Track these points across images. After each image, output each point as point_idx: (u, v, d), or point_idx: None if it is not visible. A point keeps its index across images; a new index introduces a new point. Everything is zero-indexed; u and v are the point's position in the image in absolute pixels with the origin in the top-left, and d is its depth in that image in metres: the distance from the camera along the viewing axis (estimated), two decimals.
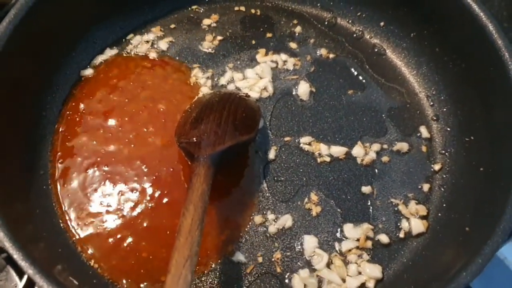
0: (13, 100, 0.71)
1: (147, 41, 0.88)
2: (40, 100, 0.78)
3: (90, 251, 0.69)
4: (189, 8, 0.93)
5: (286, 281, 0.68)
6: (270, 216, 0.72)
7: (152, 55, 0.87)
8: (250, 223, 0.72)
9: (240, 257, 0.69)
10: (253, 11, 0.92)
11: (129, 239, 0.69)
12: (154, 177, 0.74)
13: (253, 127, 0.74)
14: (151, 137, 0.78)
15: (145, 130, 0.79)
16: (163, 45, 0.88)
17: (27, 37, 0.72)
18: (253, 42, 0.89)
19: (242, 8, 0.93)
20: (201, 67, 0.86)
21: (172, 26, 0.90)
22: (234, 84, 0.84)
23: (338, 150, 0.78)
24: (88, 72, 0.84)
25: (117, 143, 0.77)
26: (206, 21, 0.91)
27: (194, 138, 0.68)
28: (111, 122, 0.79)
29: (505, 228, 0.58)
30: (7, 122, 0.69)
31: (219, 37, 0.89)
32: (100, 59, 0.86)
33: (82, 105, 0.81)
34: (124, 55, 0.87)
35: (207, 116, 0.72)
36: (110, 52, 0.87)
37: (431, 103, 0.82)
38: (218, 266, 0.69)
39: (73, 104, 0.81)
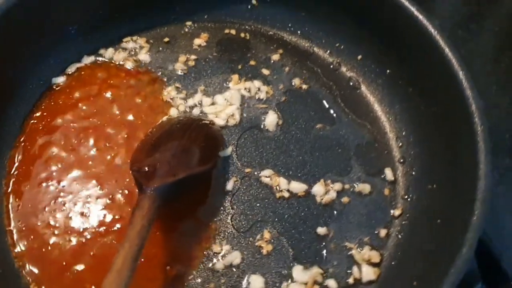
0: None
1: (126, 49, 0.87)
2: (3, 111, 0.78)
3: (31, 271, 0.68)
4: (183, 24, 0.92)
5: None
6: (219, 251, 0.71)
7: (129, 64, 0.86)
8: (203, 257, 0.71)
9: None
10: (242, 34, 0.91)
11: (75, 267, 0.68)
12: (108, 200, 0.73)
13: (211, 158, 0.73)
14: (111, 154, 0.77)
15: (107, 145, 0.77)
16: (144, 56, 0.87)
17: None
18: (228, 65, 0.87)
19: (233, 32, 0.91)
20: (176, 85, 0.85)
21: (165, 39, 0.90)
22: (201, 109, 0.82)
23: (298, 187, 0.76)
24: (60, 80, 0.84)
25: (76, 159, 0.76)
26: (197, 41, 0.90)
27: (146, 167, 0.67)
28: (75, 134, 0.78)
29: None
30: None
31: (194, 57, 0.88)
32: (75, 66, 0.85)
33: (48, 116, 0.80)
34: (100, 62, 0.86)
35: (164, 144, 0.71)
36: (86, 60, 0.86)
37: (400, 144, 0.81)
38: None
39: (39, 114, 0.80)
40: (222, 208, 0.74)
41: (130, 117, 0.80)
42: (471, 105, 0.68)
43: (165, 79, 0.85)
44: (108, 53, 0.87)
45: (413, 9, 0.76)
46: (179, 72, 0.86)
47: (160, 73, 0.86)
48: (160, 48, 0.89)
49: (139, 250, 0.58)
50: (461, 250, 0.59)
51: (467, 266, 0.58)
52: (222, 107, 0.82)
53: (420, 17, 0.75)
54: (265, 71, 0.87)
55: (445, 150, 0.74)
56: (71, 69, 0.85)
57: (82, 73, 0.84)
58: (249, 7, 0.93)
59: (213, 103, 0.83)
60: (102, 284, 0.55)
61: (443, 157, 0.74)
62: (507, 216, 0.79)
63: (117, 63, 0.86)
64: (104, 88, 0.82)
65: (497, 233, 0.77)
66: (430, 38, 0.74)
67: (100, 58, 0.87)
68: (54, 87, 0.83)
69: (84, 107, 0.80)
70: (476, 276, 0.74)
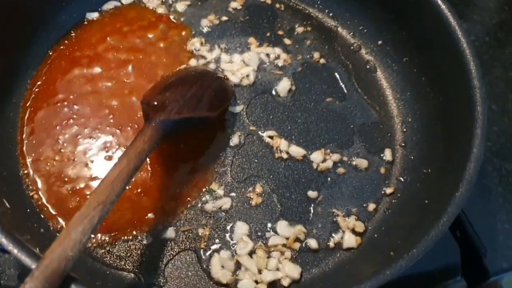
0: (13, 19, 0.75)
1: None
2: (37, 29, 0.83)
3: (34, 181, 0.72)
4: None
5: (205, 256, 0.69)
6: (212, 195, 0.74)
7: (160, 10, 0.90)
8: (196, 198, 0.74)
9: (170, 233, 0.70)
10: (276, 4, 0.95)
11: (75, 184, 0.72)
12: (116, 129, 0.77)
13: (217, 107, 0.76)
14: (127, 90, 0.81)
15: (125, 80, 0.81)
16: (180, 6, 0.92)
17: None
18: (252, 30, 0.91)
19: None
20: (201, 39, 0.88)
21: None
22: (219, 65, 0.86)
23: (297, 151, 0.79)
24: (94, 15, 0.89)
25: (94, 87, 0.80)
26: (233, 4, 0.93)
27: (155, 102, 0.71)
28: (98, 65, 0.82)
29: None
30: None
31: (224, 17, 0.92)
32: (112, 4, 0.91)
33: (76, 45, 0.85)
34: (135, 3, 0.92)
35: (176, 86, 0.74)
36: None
37: (404, 129, 0.82)
38: (141, 235, 0.70)
39: (68, 42, 0.85)
40: (222, 157, 0.77)
41: (153, 58, 0.83)
42: (476, 94, 0.69)
43: (193, 31, 0.89)
44: None
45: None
46: (206, 28, 0.90)
47: (189, 24, 0.90)
48: (197, 3, 0.93)
49: (135, 168, 0.61)
50: (439, 222, 0.60)
51: (439, 237, 0.59)
52: (238, 66, 0.85)
53: (443, 7, 0.77)
54: (287, 41, 0.90)
55: (442, 141, 0.75)
56: (107, 7, 0.89)
57: (116, 11, 0.89)
58: None
59: (230, 61, 0.86)
60: (94, 189, 0.58)
61: (442, 146, 0.75)
62: (501, 216, 0.80)
63: (151, 7, 0.91)
64: (133, 28, 0.87)
65: (488, 231, 0.78)
66: (449, 30, 0.76)
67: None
68: (88, 21, 0.88)
69: (111, 42, 0.85)
70: (457, 270, 0.75)
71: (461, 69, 0.73)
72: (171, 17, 0.91)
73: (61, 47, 0.84)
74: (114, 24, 0.87)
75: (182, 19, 0.91)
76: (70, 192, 0.71)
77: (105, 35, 0.85)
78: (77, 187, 0.72)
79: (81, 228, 0.53)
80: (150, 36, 0.86)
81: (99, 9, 0.90)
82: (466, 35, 0.75)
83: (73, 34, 0.86)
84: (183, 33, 0.88)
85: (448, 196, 0.65)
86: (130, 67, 0.82)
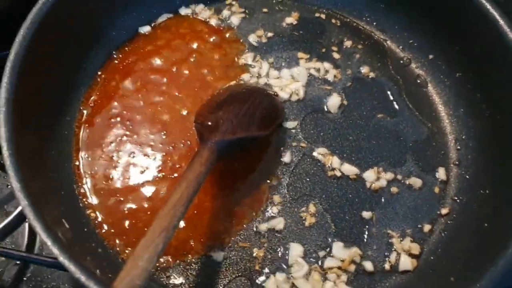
0: (64, 41, 0.76)
1: (217, 9, 0.92)
2: (89, 47, 0.83)
3: (90, 199, 0.72)
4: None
5: (259, 280, 0.69)
6: (265, 214, 0.73)
7: (212, 21, 0.90)
8: (249, 218, 0.73)
9: (225, 255, 0.70)
10: (322, 17, 0.93)
11: (131, 204, 0.72)
12: (170, 147, 0.77)
13: (269, 125, 0.76)
14: (178, 104, 0.81)
15: (177, 94, 0.82)
16: (234, 19, 0.91)
17: None
18: (301, 44, 0.90)
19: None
20: (253, 53, 0.88)
21: (264, 9, 0.94)
22: (268, 80, 0.85)
23: (349, 169, 0.78)
24: (146, 29, 0.89)
25: (147, 101, 0.81)
26: (288, 19, 0.92)
27: (209, 122, 0.70)
28: (150, 79, 0.83)
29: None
30: (53, 60, 0.74)
31: (273, 31, 0.91)
32: (164, 17, 0.91)
33: (129, 58, 0.85)
34: (187, 15, 0.91)
35: (228, 104, 0.74)
36: (179, 11, 0.92)
37: (458, 147, 0.81)
38: (195, 258, 0.70)
39: (122, 55, 0.85)
40: (275, 176, 0.77)
41: (205, 71, 0.84)
42: None
43: (245, 45, 0.89)
44: (198, 8, 0.92)
45: (496, 14, 0.75)
46: (258, 42, 0.89)
47: (241, 37, 0.90)
48: (252, 16, 0.92)
49: (194, 192, 0.61)
50: (506, 251, 0.58)
51: (508, 268, 0.58)
52: (287, 82, 0.85)
53: (501, 22, 0.75)
54: (336, 55, 0.88)
55: (503, 160, 0.73)
56: (160, 19, 0.90)
57: (168, 23, 0.89)
58: None
59: (279, 77, 0.85)
60: (157, 215, 0.58)
61: (500, 166, 0.73)
62: None
63: (203, 18, 0.91)
64: (185, 40, 0.87)
65: None
66: (508, 45, 0.74)
67: (188, 12, 0.91)
68: (140, 35, 0.88)
69: (164, 55, 0.85)
70: None
71: None
72: (224, 29, 0.90)
73: (114, 61, 0.84)
74: (166, 37, 0.87)
75: (235, 31, 0.90)
76: (126, 212, 0.71)
77: (158, 48, 0.85)
78: (133, 207, 0.72)
79: (147, 256, 0.53)
80: (202, 48, 0.86)
81: (152, 23, 0.90)
82: None
83: (126, 49, 0.86)
84: (235, 46, 0.88)
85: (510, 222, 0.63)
86: (182, 80, 0.82)
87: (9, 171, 0.58)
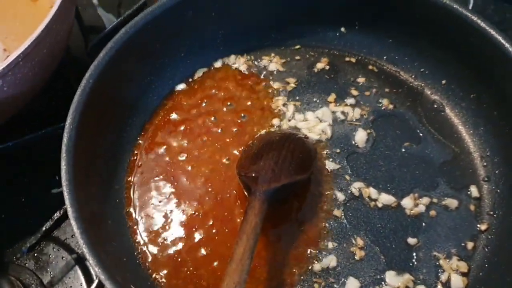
0: (105, 114, 0.81)
1: (254, 61, 0.99)
2: (135, 104, 0.90)
3: (152, 264, 0.75)
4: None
5: None
6: (316, 254, 0.77)
7: (245, 68, 0.97)
8: (303, 260, 0.77)
9: None
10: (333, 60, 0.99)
11: (189, 264, 0.75)
12: (217, 199, 0.81)
13: (308, 168, 0.80)
14: (218, 155, 0.86)
15: (216, 145, 0.87)
16: (273, 66, 0.98)
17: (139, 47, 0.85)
18: (319, 86, 0.95)
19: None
20: (283, 97, 0.94)
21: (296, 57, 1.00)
22: (296, 123, 0.90)
23: (387, 199, 0.82)
24: (182, 86, 0.95)
25: (189, 155, 0.86)
26: (319, 65, 0.98)
27: (253, 173, 0.75)
28: (190, 132, 0.89)
29: None
30: (98, 131, 0.79)
31: (294, 80, 0.97)
32: (200, 72, 0.97)
33: (169, 114, 0.91)
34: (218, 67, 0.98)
35: (266, 153, 0.78)
36: (214, 65, 0.99)
37: (484, 164, 0.85)
38: None
39: (162, 113, 0.91)
40: (318, 216, 0.80)
41: (240, 118, 0.90)
42: None
43: (277, 90, 0.95)
44: (231, 58, 0.99)
45: (499, 37, 0.81)
46: (287, 87, 0.95)
47: (273, 84, 0.96)
48: (286, 63, 0.99)
49: (255, 243, 0.65)
50: None
51: None
52: (314, 123, 0.89)
53: (507, 45, 0.80)
54: (354, 92, 0.94)
55: None
56: (195, 75, 0.97)
57: (203, 77, 0.96)
58: (337, 34, 1.00)
59: (305, 119, 0.90)
60: (225, 272, 0.62)
61: None
62: None
63: (237, 66, 0.98)
64: (222, 89, 0.94)
65: None
66: None
67: (221, 63, 0.99)
68: (177, 92, 0.95)
69: (202, 106, 0.92)
70: None
71: None
72: (256, 75, 0.97)
73: (152, 123, 0.90)
74: (201, 89, 0.94)
75: (267, 77, 0.96)
76: (188, 272, 0.74)
77: (194, 102, 0.92)
78: (195, 272, 0.75)
79: None
80: (237, 95, 0.92)
81: (187, 80, 0.96)
82: None
83: (163, 109, 0.92)
84: (267, 91, 0.94)
85: None
86: (220, 129, 0.88)
87: (87, 255, 0.61)
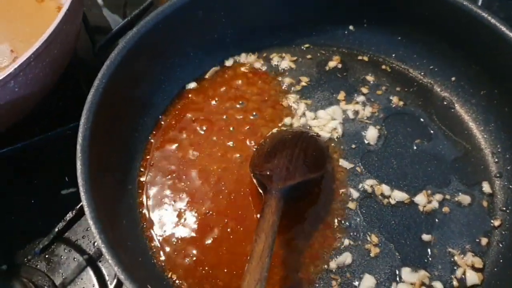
0: (118, 114, 0.81)
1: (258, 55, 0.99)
2: (146, 103, 0.89)
3: (167, 263, 0.75)
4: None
5: None
6: (332, 252, 0.77)
7: (257, 65, 0.97)
8: (319, 258, 0.77)
9: None
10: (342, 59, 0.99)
11: (205, 264, 0.75)
12: (230, 198, 0.80)
13: (322, 166, 0.80)
14: (230, 153, 0.85)
15: (228, 144, 0.87)
16: (284, 64, 0.97)
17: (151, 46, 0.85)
18: (329, 84, 0.95)
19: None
20: (294, 95, 0.94)
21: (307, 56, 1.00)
22: (307, 121, 0.90)
23: (400, 195, 0.82)
24: (193, 85, 0.95)
25: (200, 154, 0.85)
26: (331, 63, 0.98)
27: (268, 171, 0.75)
28: (201, 131, 0.88)
29: None
30: (111, 131, 0.79)
31: (305, 78, 0.96)
32: (211, 71, 0.97)
33: (181, 113, 0.91)
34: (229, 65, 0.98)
35: (280, 151, 0.78)
36: (225, 63, 0.99)
37: (496, 160, 0.85)
38: None
39: (173, 110, 0.91)
40: (332, 213, 0.80)
41: (252, 116, 0.90)
42: None
43: (288, 88, 0.95)
44: (242, 56, 0.99)
45: (510, 33, 0.81)
46: (298, 85, 0.96)
47: (284, 81, 0.96)
48: (297, 61, 0.99)
49: (273, 241, 0.65)
50: None
51: None
52: (325, 121, 0.90)
53: None
54: (364, 90, 0.94)
55: None
56: (207, 74, 0.97)
57: (214, 75, 0.96)
58: (346, 32, 1.00)
59: (316, 118, 0.90)
60: (245, 270, 0.61)
61: None
62: None
63: (247, 63, 0.98)
64: (233, 87, 0.94)
65: None
66: None
67: (232, 61, 0.99)
68: (187, 90, 0.95)
69: (212, 105, 0.92)
70: None
71: None
72: (268, 72, 0.97)
73: (164, 122, 0.90)
74: (212, 88, 0.94)
75: (278, 75, 0.96)
76: (204, 272, 0.74)
77: (205, 100, 0.92)
78: (210, 272, 0.74)
79: None
80: (248, 93, 0.92)
81: (198, 79, 0.96)
82: None
83: (174, 108, 0.92)
84: (278, 89, 0.94)
85: None
86: (232, 128, 0.88)
87: (106, 256, 0.61)
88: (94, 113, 0.73)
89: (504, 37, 0.82)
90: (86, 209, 0.64)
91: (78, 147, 0.69)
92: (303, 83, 0.95)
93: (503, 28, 0.82)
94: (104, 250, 0.61)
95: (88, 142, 0.71)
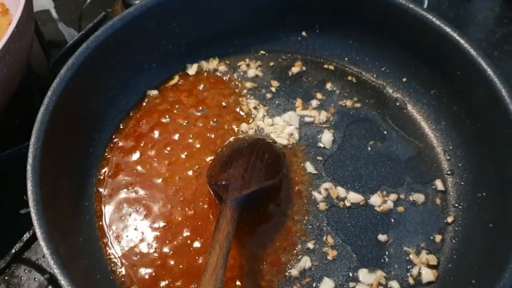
0: (71, 131, 0.81)
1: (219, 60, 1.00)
2: (100, 118, 0.88)
3: (127, 279, 0.75)
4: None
5: None
6: (292, 258, 0.78)
7: (218, 71, 0.98)
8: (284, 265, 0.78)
9: None
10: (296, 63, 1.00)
11: (166, 278, 0.75)
12: (189, 209, 0.80)
13: (277, 173, 0.81)
14: (188, 163, 0.86)
15: (186, 153, 0.87)
16: (245, 69, 0.99)
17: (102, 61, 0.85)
18: (285, 90, 0.97)
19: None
20: (253, 102, 0.95)
21: (271, 64, 1.01)
22: (264, 128, 0.91)
23: (356, 197, 0.83)
24: (153, 93, 0.95)
25: (159, 164, 0.85)
26: (294, 69, 0.99)
27: (223, 181, 0.75)
28: (160, 140, 0.88)
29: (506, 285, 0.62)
30: (64, 147, 0.78)
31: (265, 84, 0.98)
32: (173, 78, 0.97)
33: (140, 121, 0.91)
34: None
35: (236, 160, 0.79)
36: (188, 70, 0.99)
37: (448, 158, 0.87)
38: None
39: (131, 124, 0.91)
40: (288, 217, 0.81)
41: (214, 122, 0.91)
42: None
43: (248, 94, 0.96)
44: (203, 63, 1.00)
45: (454, 34, 0.84)
46: (257, 91, 0.97)
47: (244, 87, 0.97)
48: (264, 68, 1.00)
49: (228, 252, 0.66)
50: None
51: None
52: (282, 128, 0.91)
53: (462, 41, 0.83)
54: (319, 95, 0.95)
55: (490, 162, 0.80)
56: (166, 82, 0.97)
57: (175, 83, 0.97)
58: (299, 38, 1.02)
59: (273, 124, 0.91)
60: (200, 282, 0.62)
61: (490, 168, 0.80)
62: None
63: (210, 69, 0.99)
64: (193, 94, 0.94)
65: None
66: (472, 60, 0.81)
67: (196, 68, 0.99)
68: (148, 97, 0.95)
69: (173, 113, 0.92)
70: None
71: (493, 97, 0.78)
72: (229, 78, 0.98)
73: (124, 132, 0.90)
74: (172, 96, 0.94)
75: (239, 81, 0.97)
76: (165, 285, 0.74)
77: (164, 109, 0.92)
78: (171, 286, 0.74)
79: None
80: (209, 98, 0.93)
81: (159, 87, 0.96)
82: (489, 62, 0.80)
83: (134, 117, 0.92)
84: (238, 95, 0.95)
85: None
86: (190, 136, 0.89)
87: (58, 276, 0.61)
88: (44, 132, 0.73)
89: (449, 38, 0.84)
90: (37, 229, 0.63)
91: (28, 167, 0.69)
92: (263, 90, 0.96)
93: (448, 29, 0.84)
94: (56, 270, 0.61)
95: (39, 161, 0.70)
